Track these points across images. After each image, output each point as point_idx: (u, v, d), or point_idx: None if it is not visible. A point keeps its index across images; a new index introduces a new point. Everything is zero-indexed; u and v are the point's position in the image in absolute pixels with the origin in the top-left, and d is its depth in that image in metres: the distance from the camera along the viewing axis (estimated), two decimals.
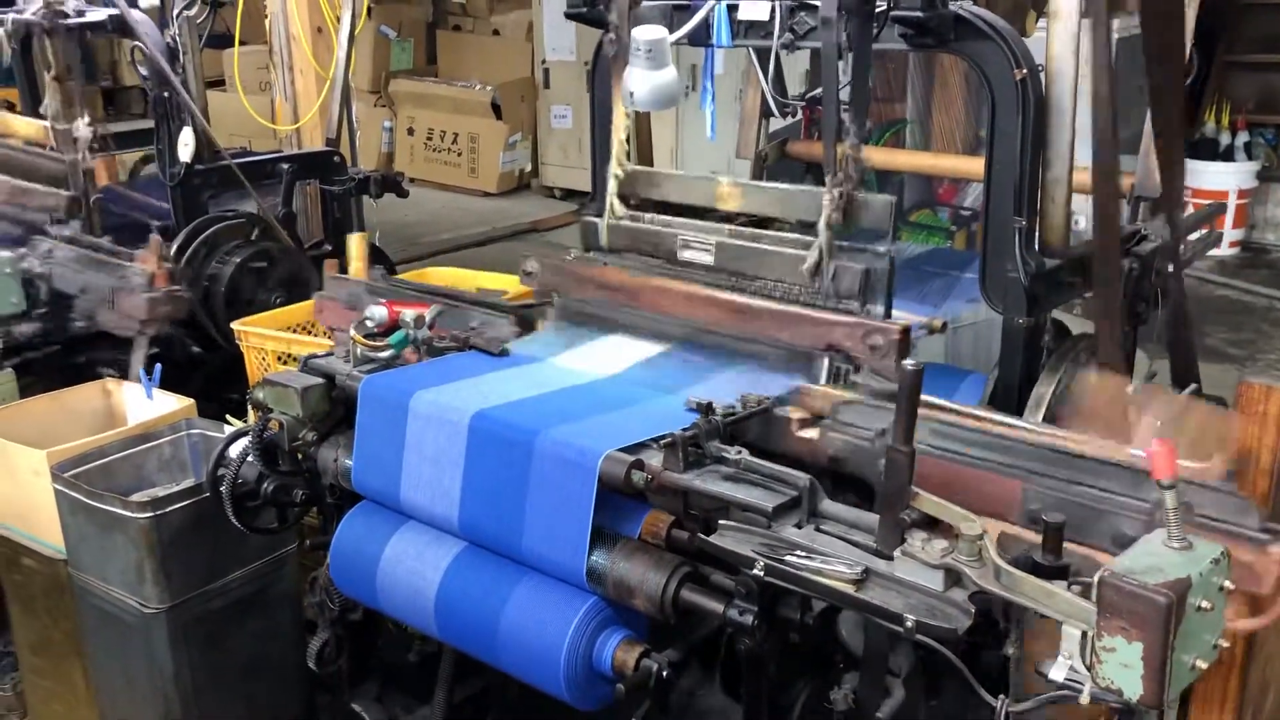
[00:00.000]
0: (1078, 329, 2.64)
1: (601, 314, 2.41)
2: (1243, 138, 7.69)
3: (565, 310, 2.46)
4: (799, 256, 2.21)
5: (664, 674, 1.83)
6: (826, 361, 2.06)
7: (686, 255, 2.41)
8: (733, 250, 2.37)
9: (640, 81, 2.35)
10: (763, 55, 3.15)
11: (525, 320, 2.46)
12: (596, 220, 2.55)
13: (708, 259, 2.38)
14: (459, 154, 9.58)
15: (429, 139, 9.67)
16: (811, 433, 1.96)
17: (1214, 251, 7.30)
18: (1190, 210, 6.94)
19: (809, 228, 2.27)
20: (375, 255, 4.41)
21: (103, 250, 3.43)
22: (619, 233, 2.51)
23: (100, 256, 3.38)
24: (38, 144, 3.74)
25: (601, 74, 2.61)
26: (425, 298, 2.56)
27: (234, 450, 2.36)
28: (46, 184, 3.68)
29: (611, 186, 2.51)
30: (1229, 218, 7.54)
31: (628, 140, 2.55)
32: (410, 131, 9.70)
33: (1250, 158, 7.70)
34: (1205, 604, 1.33)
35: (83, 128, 3.54)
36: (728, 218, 2.54)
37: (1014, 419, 1.92)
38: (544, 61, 9.32)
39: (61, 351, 3.46)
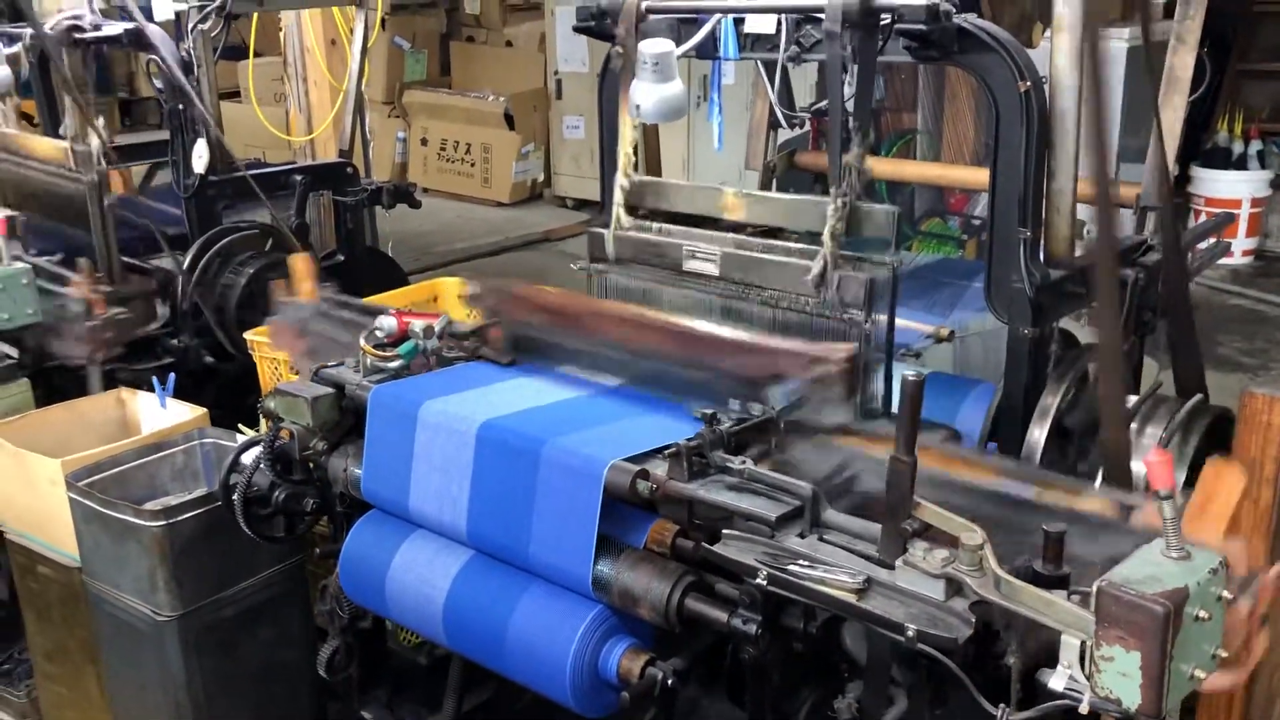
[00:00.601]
0: (1085, 339, 2.65)
1: (546, 339, 2.36)
2: (1255, 146, 7.65)
3: (511, 335, 2.40)
4: (804, 267, 2.23)
5: (669, 682, 1.85)
6: (773, 390, 1.99)
7: (692, 265, 2.43)
8: (737, 261, 2.39)
9: (647, 94, 2.37)
10: (770, 67, 3.17)
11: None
12: (603, 231, 2.57)
13: (713, 270, 2.40)
14: (472, 164, 9.63)
15: (442, 149, 9.72)
16: None
17: (1227, 261, 7.27)
18: (1202, 220, 6.94)
19: (815, 237, 2.29)
20: (386, 265, 4.47)
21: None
22: (625, 243, 2.54)
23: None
24: (56, 164, 3.77)
25: (610, 87, 2.64)
26: (369, 316, 2.53)
27: (246, 459, 2.38)
28: (63, 203, 3.71)
29: (618, 197, 2.54)
30: (1242, 227, 7.51)
31: (635, 151, 2.57)
32: (424, 142, 9.75)
33: (1263, 166, 7.67)
34: (1203, 614, 1.34)
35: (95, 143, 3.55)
36: (734, 228, 2.56)
37: (989, 457, 1.90)
38: (556, 72, 9.36)
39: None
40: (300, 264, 2.72)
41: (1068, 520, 1.58)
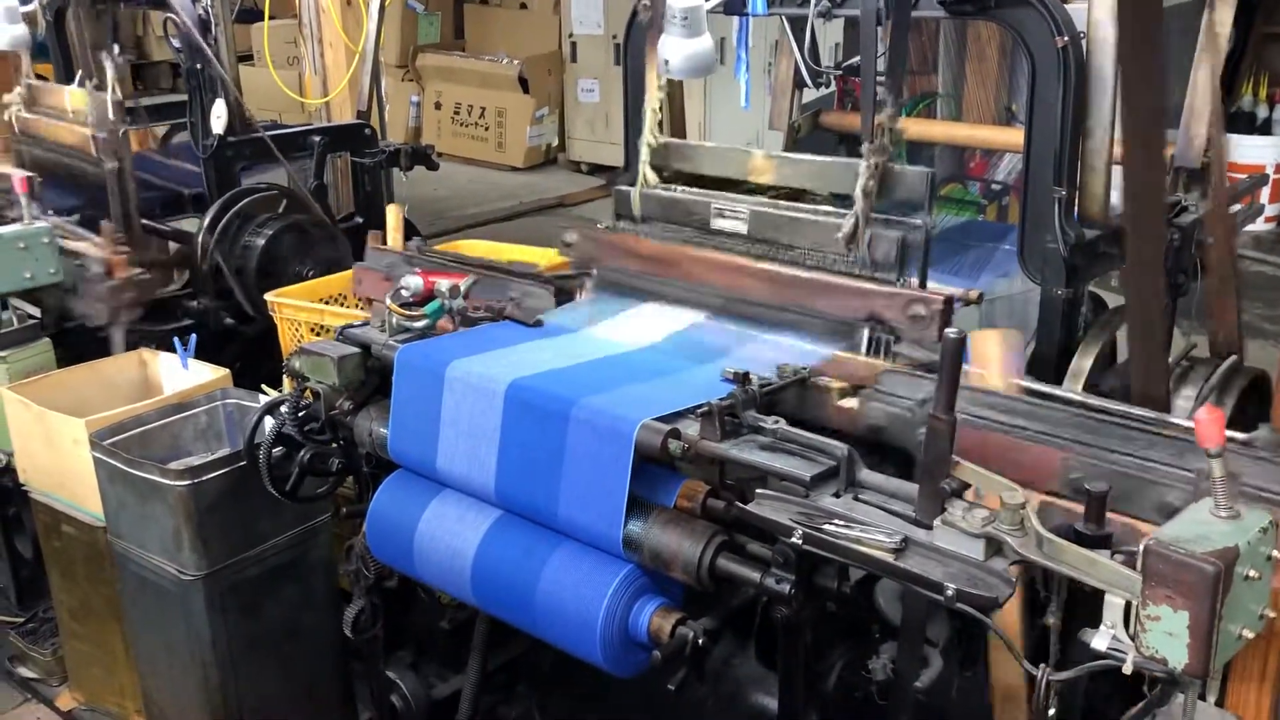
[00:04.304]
0: (1115, 303, 2.62)
1: (639, 285, 2.40)
2: None
3: (603, 281, 2.45)
4: (834, 224, 2.19)
5: (699, 642, 1.84)
6: (866, 332, 2.04)
7: (720, 224, 2.39)
8: (767, 219, 2.35)
9: (675, 50, 2.33)
10: (796, 25, 3.12)
11: (562, 291, 2.46)
12: (629, 189, 2.53)
13: (741, 228, 2.36)
14: (486, 128, 9.57)
15: (456, 113, 9.67)
16: (851, 402, 1.95)
17: (1249, 227, 7.19)
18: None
19: (843, 200, 2.25)
20: (405, 228, 4.44)
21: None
22: (652, 202, 2.50)
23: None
24: (75, 117, 3.73)
25: (636, 41, 2.60)
26: (462, 269, 2.56)
27: (270, 419, 2.37)
28: (79, 158, 3.69)
29: (644, 155, 2.49)
30: (1265, 192, 7.43)
31: (660, 109, 2.53)
32: (437, 105, 9.69)
33: None
34: (1253, 573, 1.32)
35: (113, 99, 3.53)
36: (759, 190, 2.53)
37: (1054, 388, 1.90)
38: (571, 35, 9.28)
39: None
40: (393, 213, 2.74)
41: None
